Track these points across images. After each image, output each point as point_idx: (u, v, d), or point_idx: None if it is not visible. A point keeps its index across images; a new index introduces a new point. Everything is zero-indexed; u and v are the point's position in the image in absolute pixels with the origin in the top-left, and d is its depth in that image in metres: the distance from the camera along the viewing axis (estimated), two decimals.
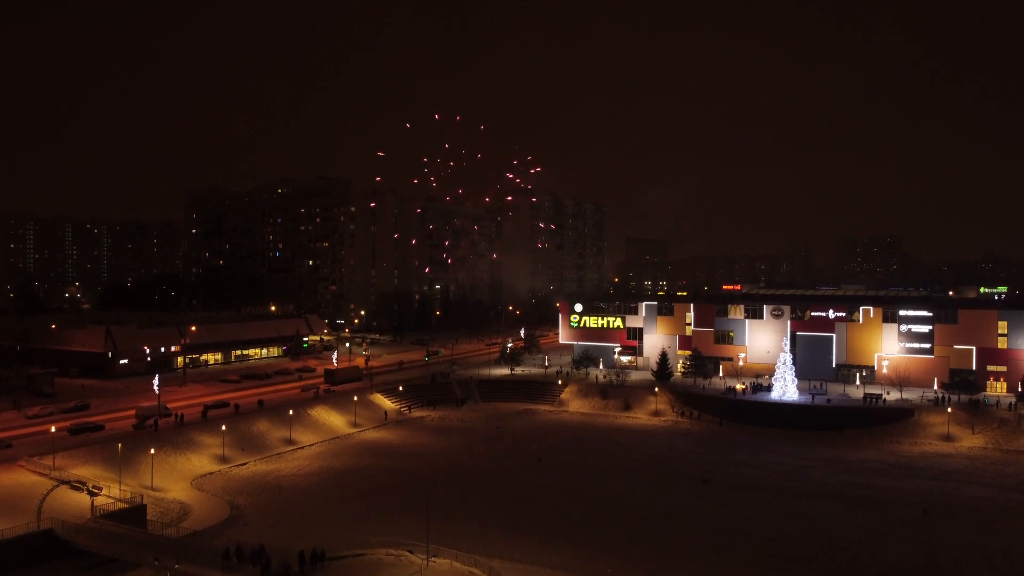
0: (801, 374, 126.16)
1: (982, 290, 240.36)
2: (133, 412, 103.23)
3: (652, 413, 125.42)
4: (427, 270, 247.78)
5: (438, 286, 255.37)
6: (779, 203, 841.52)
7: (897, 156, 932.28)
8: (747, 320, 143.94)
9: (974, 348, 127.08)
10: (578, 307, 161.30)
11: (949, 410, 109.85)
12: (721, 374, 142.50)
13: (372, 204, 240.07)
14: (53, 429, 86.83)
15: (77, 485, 73.59)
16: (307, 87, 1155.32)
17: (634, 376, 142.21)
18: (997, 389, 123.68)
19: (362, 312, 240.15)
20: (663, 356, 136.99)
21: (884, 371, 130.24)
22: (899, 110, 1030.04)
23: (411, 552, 59.88)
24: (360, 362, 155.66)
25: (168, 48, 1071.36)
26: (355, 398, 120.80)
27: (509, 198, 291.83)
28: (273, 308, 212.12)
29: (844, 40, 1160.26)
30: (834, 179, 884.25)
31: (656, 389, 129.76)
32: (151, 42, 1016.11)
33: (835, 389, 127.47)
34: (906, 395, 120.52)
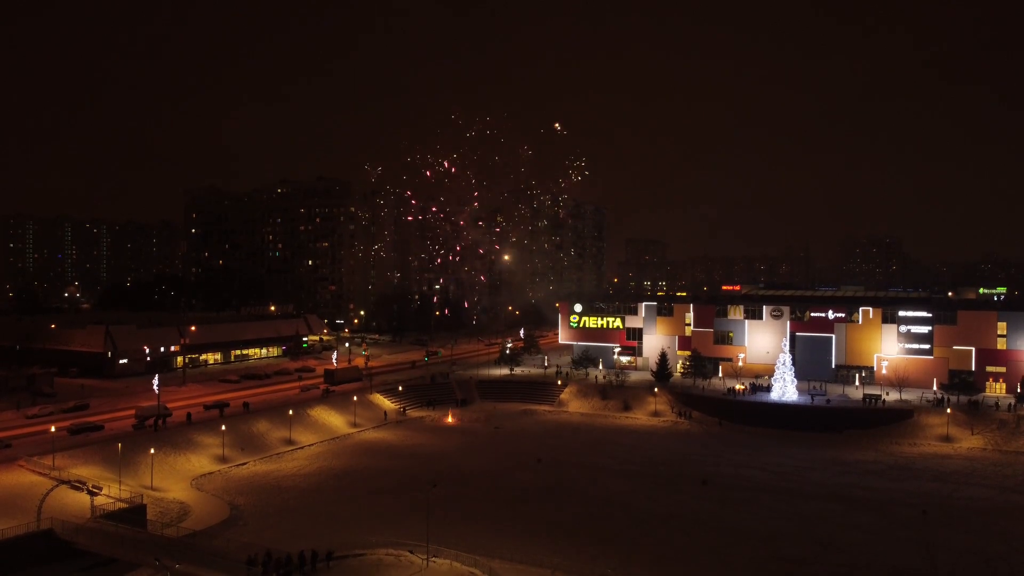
0: (800, 375, 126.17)
1: (981, 291, 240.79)
2: (133, 412, 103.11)
3: (651, 414, 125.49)
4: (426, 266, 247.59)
5: (437, 286, 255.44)
6: (779, 203, 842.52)
7: (897, 157, 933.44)
8: (746, 321, 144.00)
9: (973, 349, 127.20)
10: (577, 307, 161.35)
11: (948, 411, 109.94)
12: (720, 375, 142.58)
13: (372, 204, 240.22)
14: (53, 429, 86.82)
15: (77, 485, 73.67)
16: (308, 87, 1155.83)
17: (633, 377, 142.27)
18: (996, 390, 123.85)
19: (362, 312, 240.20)
20: (662, 357, 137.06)
21: (883, 372, 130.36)
22: (899, 111, 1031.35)
23: (411, 552, 59.91)
24: (360, 362, 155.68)
25: (168, 48, 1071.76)
26: (355, 398, 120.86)
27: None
28: (273, 308, 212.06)
29: (845, 41, 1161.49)
30: (834, 180, 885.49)
31: (655, 390, 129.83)
32: (151, 42, 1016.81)
33: (834, 390, 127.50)
34: (905, 396, 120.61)
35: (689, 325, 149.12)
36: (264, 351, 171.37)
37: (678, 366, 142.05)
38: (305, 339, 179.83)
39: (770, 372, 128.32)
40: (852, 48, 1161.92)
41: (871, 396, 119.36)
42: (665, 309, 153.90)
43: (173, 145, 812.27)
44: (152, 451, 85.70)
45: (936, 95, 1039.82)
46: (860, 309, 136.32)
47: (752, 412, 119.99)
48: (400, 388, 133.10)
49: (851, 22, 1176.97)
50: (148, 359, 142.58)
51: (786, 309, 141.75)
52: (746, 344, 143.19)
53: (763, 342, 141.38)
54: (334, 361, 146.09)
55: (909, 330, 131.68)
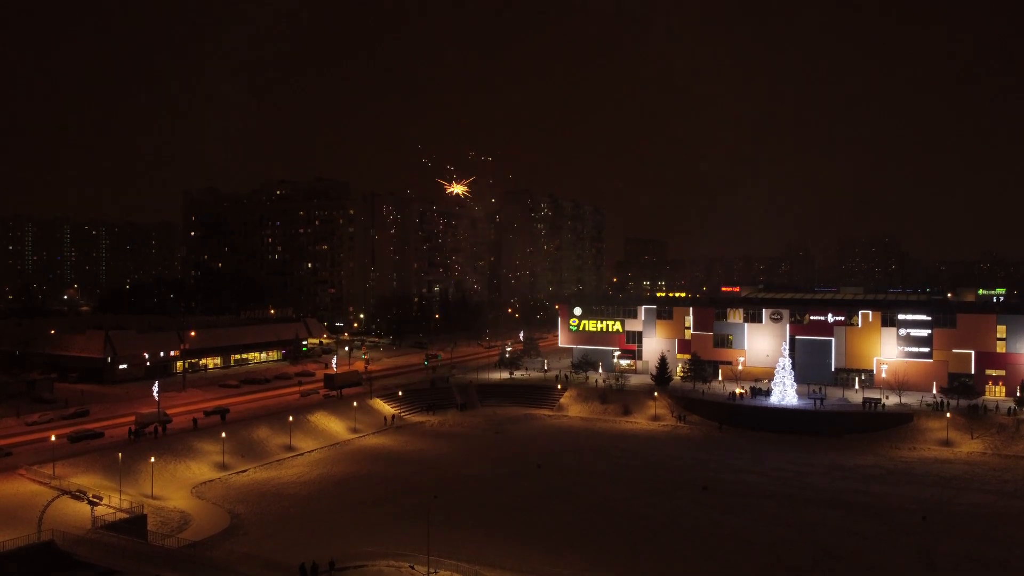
0: (800, 378, 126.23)
1: (980, 292, 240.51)
2: (133, 418, 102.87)
3: (651, 418, 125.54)
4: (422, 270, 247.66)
5: (437, 288, 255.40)
6: (778, 203, 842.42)
7: (896, 156, 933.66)
8: (746, 324, 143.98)
9: (973, 352, 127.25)
10: (577, 311, 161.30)
11: (948, 415, 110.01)
12: (720, 378, 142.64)
13: (371, 206, 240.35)
14: (53, 437, 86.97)
15: (78, 495, 73.69)
16: (307, 87, 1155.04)
17: (633, 380, 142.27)
18: (996, 393, 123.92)
19: (361, 315, 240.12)
20: (662, 360, 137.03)
21: (883, 375, 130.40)
22: (898, 110, 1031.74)
23: (412, 568, 59.66)
24: (360, 366, 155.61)
25: (167, 48, 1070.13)
26: (355, 403, 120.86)
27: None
28: (272, 312, 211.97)
29: (846, 41, 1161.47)
30: (833, 179, 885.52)
31: (655, 393, 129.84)
32: (149, 42, 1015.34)
33: (834, 393, 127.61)
34: (905, 399, 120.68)
35: (689, 328, 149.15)
36: (264, 355, 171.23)
37: (678, 369, 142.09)
38: (305, 343, 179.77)
39: (770, 375, 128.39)
40: (854, 48, 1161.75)
41: (871, 400, 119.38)
42: (665, 312, 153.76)
43: (172, 146, 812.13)
44: (152, 459, 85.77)
45: (936, 95, 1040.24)
46: (859, 312, 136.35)
47: (752, 416, 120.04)
48: (400, 393, 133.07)
49: (855, 23, 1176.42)
50: (148, 364, 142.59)
51: (786, 312, 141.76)
52: (746, 347, 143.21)
53: (763, 345, 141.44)
54: (334, 365, 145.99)
55: (908, 333, 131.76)
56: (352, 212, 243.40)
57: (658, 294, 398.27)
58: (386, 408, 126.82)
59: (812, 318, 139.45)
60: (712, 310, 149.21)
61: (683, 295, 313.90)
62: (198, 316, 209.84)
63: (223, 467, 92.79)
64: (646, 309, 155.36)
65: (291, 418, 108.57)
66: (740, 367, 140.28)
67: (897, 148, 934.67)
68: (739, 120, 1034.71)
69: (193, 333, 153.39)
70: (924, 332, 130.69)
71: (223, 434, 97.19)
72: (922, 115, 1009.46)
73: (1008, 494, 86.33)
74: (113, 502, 71.79)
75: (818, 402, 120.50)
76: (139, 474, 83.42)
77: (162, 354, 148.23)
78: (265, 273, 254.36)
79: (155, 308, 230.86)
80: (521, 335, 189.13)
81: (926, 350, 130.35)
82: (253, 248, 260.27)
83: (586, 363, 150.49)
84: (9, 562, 59.15)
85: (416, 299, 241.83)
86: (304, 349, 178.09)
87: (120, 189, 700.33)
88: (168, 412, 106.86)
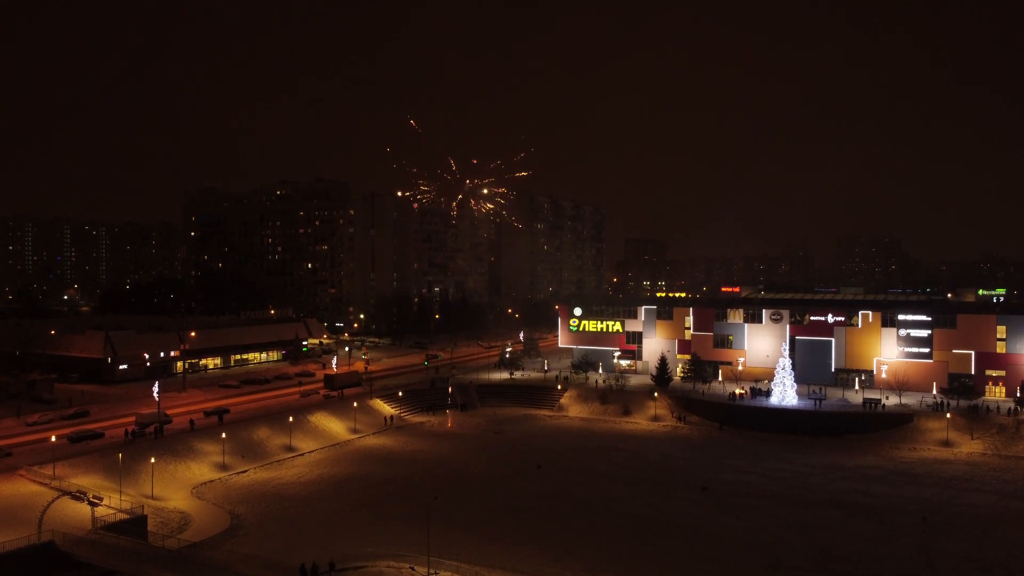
0: (800, 379, 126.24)
1: (980, 292, 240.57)
2: (133, 419, 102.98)
3: (651, 418, 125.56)
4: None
5: (437, 288, 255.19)
6: (778, 203, 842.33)
7: (896, 156, 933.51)
8: (746, 324, 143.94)
9: (973, 353, 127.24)
10: (577, 311, 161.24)
11: (948, 415, 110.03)
12: (720, 378, 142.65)
13: (371, 206, 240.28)
14: (53, 438, 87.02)
15: (78, 495, 73.71)
16: (306, 87, 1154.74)
17: (633, 380, 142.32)
18: (996, 394, 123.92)
19: (361, 315, 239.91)
20: (662, 360, 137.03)
21: (883, 376, 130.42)
22: (898, 110, 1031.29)
23: (413, 569, 59.71)
24: (359, 366, 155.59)
25: (166, 49, 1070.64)
26: (355, 404, 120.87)
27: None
28: (272, 312, 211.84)
29: (847, 41, 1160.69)
30: (833, 178, 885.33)
31: (655, 394, 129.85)
32: (149, 42, 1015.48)
33: (834, 394, 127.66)
34: (905, 400, 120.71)
35: (689, 329, 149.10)
36: (264, 355, 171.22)
37: (678, 370, 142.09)
38: (305, 343, 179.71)
39: (770, 376, 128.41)
40: (855, 48, 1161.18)
41: (871, 400, 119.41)
42: (665, 313, 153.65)
43: (172, 146, 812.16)
44: (152, 460, 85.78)
45: (936, 95, 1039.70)
46: (860, 312, 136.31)
47: (752, 416, 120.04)
48: (400, 393, 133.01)
49: (856, 23, 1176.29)
50: (148, 364, 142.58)
51: (786, 313, 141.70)
52: (746, 348, 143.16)
53: (763, 346, 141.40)
54: (334, 366, 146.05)
55: (908, 333, 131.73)
56: (352, 212, 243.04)
57: (658, 294, 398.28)
58: (386, 408, 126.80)
59: (812, 318, 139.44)
60: (712, 310, 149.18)
61: (683, 295, 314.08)
62: (198, 316, 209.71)
63: (223, 467, 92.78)
64: (646, 309, 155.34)
65: (291, 418, 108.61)
66: (740, 367, 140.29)
67: (897, 149, 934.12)
68: (740, 120, 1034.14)
69: (193, 333, 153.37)
70: (924, 332, 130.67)
71: (223, 434, 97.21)
72: (922, 115, 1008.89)
73: (1008, 495, 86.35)
74: (113, 503, 71.82)
75: (818, 402, 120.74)
76: (139, 475, 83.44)
77: (162, 354, 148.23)
78: (265, 273, 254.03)
79: (155, 308, 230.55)
80: (521, 335, 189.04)
81: (926, 350, 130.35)
82: (253, 248, 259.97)
83: (586, 363, 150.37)
84: (10, 562, 59.17)
85: (416, 299, 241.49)
86: (304, 349, 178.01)
87: (120, 189, 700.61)
88: (168, 412, 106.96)
